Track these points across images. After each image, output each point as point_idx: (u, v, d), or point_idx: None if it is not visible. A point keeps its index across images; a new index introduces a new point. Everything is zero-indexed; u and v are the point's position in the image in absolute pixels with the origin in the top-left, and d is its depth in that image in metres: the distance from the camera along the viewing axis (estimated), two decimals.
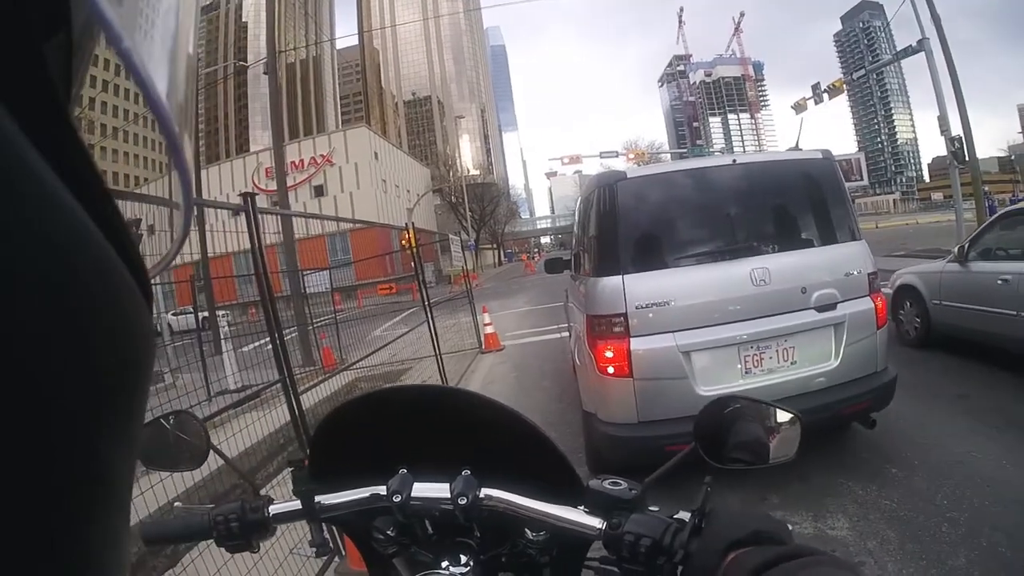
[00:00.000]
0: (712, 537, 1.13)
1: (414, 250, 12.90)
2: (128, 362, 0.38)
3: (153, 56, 0.38)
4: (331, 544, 1.69)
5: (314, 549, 1.72)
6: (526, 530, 1.38)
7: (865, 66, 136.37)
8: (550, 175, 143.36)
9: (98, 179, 0.37)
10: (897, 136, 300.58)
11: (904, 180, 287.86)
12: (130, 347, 0.38)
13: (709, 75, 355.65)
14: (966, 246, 9.78)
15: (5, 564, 0.31)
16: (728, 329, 5.83)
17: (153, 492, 4.30)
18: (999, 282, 8.80)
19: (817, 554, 0.98)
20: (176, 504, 1.82)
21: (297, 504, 1.53)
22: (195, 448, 1.79)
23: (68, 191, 0.33)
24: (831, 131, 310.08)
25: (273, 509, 1.57)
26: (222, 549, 1.60)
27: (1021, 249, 8.73)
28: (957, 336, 10.07)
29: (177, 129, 0.39)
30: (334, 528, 1.79)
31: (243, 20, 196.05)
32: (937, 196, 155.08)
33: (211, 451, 1.80)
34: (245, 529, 1.55)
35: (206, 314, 17.45)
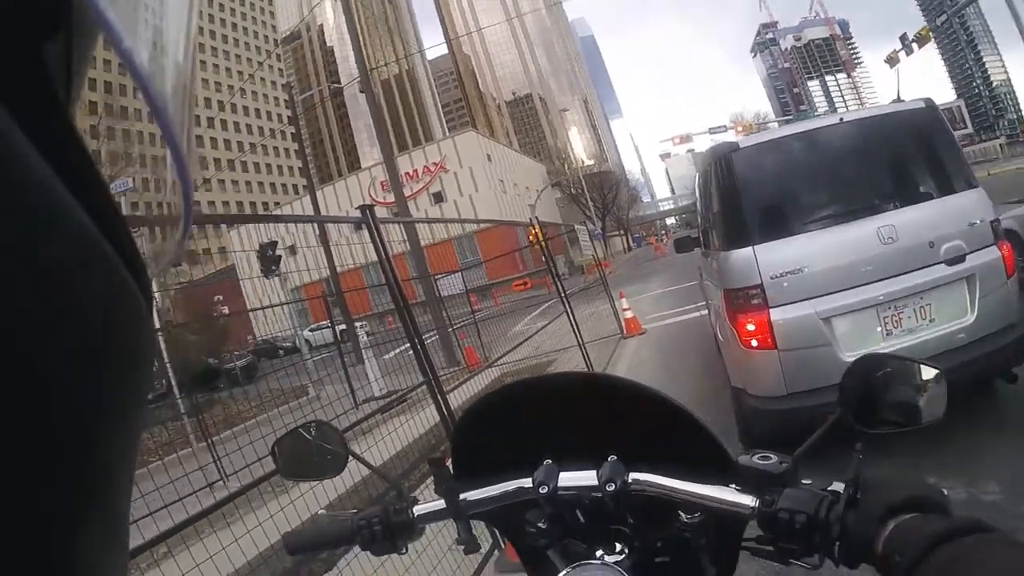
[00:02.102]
0: (868, 507, 1.11)
1: (543, 244, 12.92)
2: (127, 363, 0.39)
3: (153, 55, 0.40)
4: (478, 541, 1.67)
5: (462, 547, 1.69)
6: (680, 513, 1.36)
7: (946, 10, 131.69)
8: (664, 156, 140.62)
9: (98, 179, 0.37)
10: (991, 79, 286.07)
11: (1006, 123, 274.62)
12: (130, 347, 0.39)
13: (798, 39, 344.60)
14: None
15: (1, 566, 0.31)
16: (864, 291, 5.70)
17: (304, 501, 4.52)
18: None
19: (989, 529, 0.96)
20: (319, 512, 1.97)
21: (441, 503, 1.53)
22: (336, 456, 1.84)
23: (68, 191, 0.33)
24: (927, 82, 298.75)
25: (418, 510, 1.58)
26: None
27: None
28: None
29: (177, 128, 0.40)
30: (492, 527, 1.90)
31: (328, 44, 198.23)
32: None
33: (352, 458, 1.85)
34: (389, 532, 1.56)
35: (343, 327, 17.75)
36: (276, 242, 15.59)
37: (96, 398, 0.35)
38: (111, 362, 0.36)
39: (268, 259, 15.32)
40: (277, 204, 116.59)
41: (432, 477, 1.60)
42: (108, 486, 0.38)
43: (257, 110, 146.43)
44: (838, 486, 1.18)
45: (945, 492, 1.10)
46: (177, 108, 0.40)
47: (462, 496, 1.50)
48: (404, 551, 1.62)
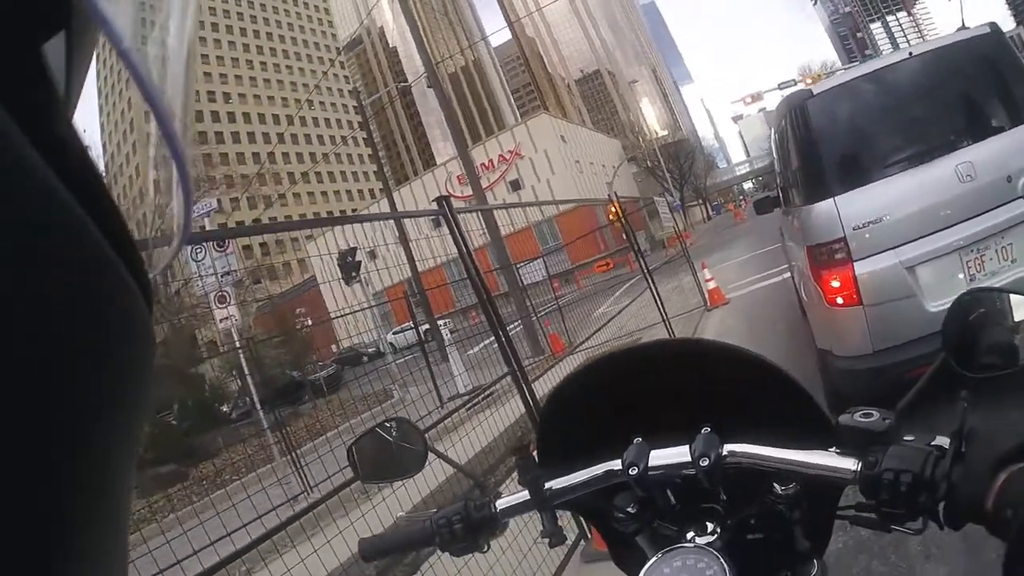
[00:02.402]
0: (977, 459, 1.04)
1: (624, 221, 12.79)
2: (127, 363, 0.38)
3: (153, 56, 0.41)
4: (564, 533, 1.62)
5: (547, 540, 1.61)
6: (774, 485, 1.28)
7: None
8: (736, 119, 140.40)
9: (98, 179, 0.37)
10: None
11: None
12: (129, 347, 0.38)
13: None
14: None
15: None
16: (945, 236, 5.48)
17: (387, 506, 4.40)
18: None
19: None
20: (399, 515, 1.85)
21: (525, 494, 1.48)
22: (415, 453, 1.80)
23: (68, 191, 0.33)
24: (986, 12, 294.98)
25: (500, 504, 1.52)
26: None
27: None
28: None
29: (177, 128, 0.39)
30: (578, 517, 1.79)
31: (391, 45, 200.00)
32: None
33: (432, 454, 1.81)
34: (470, 529, 1.51)
35: (427, 326, 17.86)
36: (356, 248, 15.83)
37: (96, 399, 0.35)
38: (111, 363, 0.36)
39: (348, 266, 15.60)
40: (355, 210, 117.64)
41: (517, 466, 1.53)
42: (108, 487, 0.38)
43: (327, 119, 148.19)
44: (943, 440, 1.11)
45: None
46: (176, 108, 0.40)
47: (547, 485, 1.45)
48: (486, 548, 1.56)
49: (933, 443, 1.11)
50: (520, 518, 1.58)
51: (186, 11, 0.44)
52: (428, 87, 22.74)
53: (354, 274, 15.43)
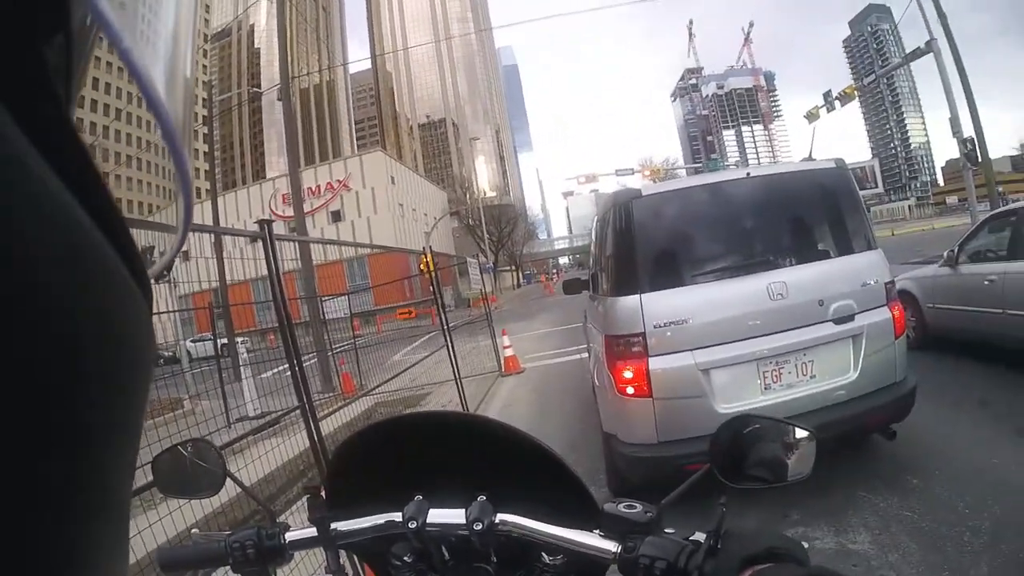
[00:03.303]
0: (727, 556, 1.13)
1: (432, 274, 12.84)
2: (127, 363, 0.38)
3: (153, 56, 0.39)
4: (347, 571, 1.68)
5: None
6: (543, 554, 1.39)
7: (875, 71, 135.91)
8: (567, 195, 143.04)
9: (98, 180, 0.36)
10: (910, 140, 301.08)
11: (918, 185, 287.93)
12: (129, 347, 0.38)
13: (721, 87, 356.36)
14: (956, 250, 10.29)
15: None
16: (747, 345, 5.77)
17: (172, 519, 4.34)
18: (985, 283, 9.27)
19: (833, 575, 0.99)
20: (194, 531, 1.84)
21: (313, 531, 1.53)
22: (212, 475, 1.82)
23: (68, 192, 0.33)
24: (844, 139, 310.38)
25: (289, 536, 1.58)
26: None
27: (1005, 250, 9.19)
28: (951, 337, 10.51)
29: (177, 128, 0.39)
30: (353, 556, 1.83)
31: (256, 46, 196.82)
32: (952, 200, 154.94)
33: (228, 478, 1.82)
34: (261, 556, 1.56)
35: (225, 341, 17.44)
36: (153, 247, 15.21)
37: (96, 398, 0.35)
38: (111, 362, 0.36)
39: None
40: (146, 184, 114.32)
41: (307, 504, 1.59)
42: (108, 487, 0.38)
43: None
44: (700, 536, 1.22)
45: (806, 545, 1.23)
46: (177, 108, 0.41)
47: (333, 526, 1.51)
48: (274, 575, 1.62)
49: (691, 537, 1.23)
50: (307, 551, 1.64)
51: (186, 11, 0.44)
52: (278, 99, 22.49)
53: (164, 272, 14.98)
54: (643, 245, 6.09)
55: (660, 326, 5.74)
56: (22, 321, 0.30)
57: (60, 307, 0.32)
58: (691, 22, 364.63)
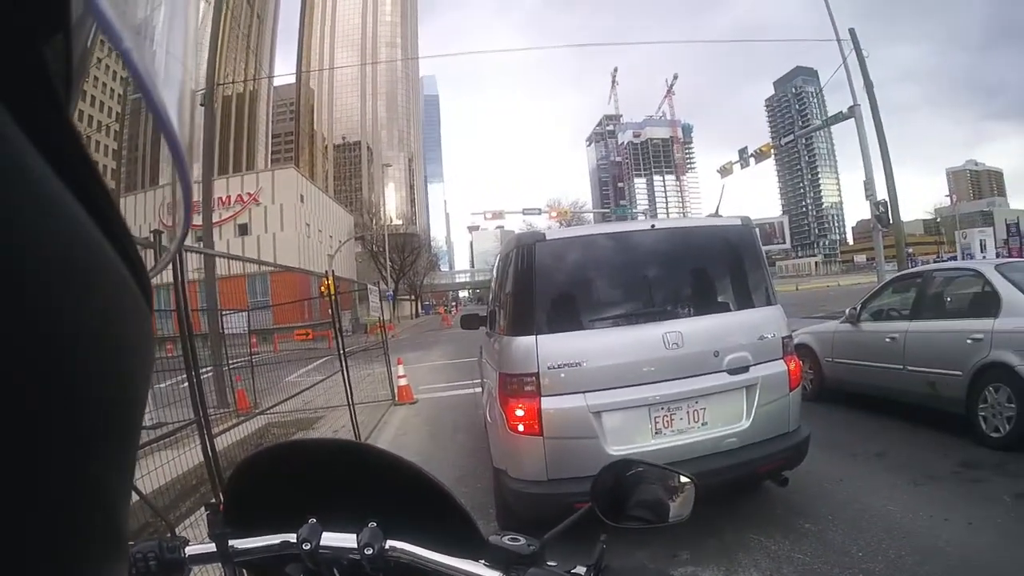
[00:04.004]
0: None
1: (332, 297, 12.88)
2: (128, 362, 0.38)
3: (153, 56, 0.40)
4: None
5: None
6: None
7: (795, 131, 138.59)
8: (472, 229, 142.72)
9: (98, 180, 0.37)
10: (823, 199, 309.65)
11: (827, 243, 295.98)
12: (130, 346, 0.38)
13: (638, 136, 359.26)
14: (858, 307, 10.87)
15: None
16: (639, 391, 5.87)
17: None
18: (887, 340, 9.88)
19: None
20: None
21: (212, 547, 1.53)
22: None
23: (69, 192, 0.33)
24: (756, 193, 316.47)
25: (189, 550, 1.56)
26: None
27: (908, 310, 9.80)
28: (847, 390, 11.09)
29: (177, 128, 0.40)
30: (246, 573, 1.85)
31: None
32: (860, 258, 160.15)
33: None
34: (163, 568, 1.53)
35: None
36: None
37: (97, 397, 0.35)
38: (111, 362, 0.36)
39: None
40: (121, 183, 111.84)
41: (203, 518, 1.63)
42: (108, 487, 0.38)
43: (87, 96, 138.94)
44: (581, 569, 1.32)
45: None
46: (177, 108, 0.41)
47: (232, 543, 1.51)
48: None
49: (572, 571, 1.32)
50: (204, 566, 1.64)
51: (185, 10, 0.45)
52: (201, 105, 22.09)
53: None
54: (543, 287, 6.18)
55: (554, 367, 5.81)
56: (22, 321, 0.30)
57: (60, 307, 0.32)
58: (615, 70, 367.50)
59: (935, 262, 15.76)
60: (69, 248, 0.33)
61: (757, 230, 6.88)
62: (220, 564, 1.58)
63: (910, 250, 44.67)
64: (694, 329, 6.11)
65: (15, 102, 0.31)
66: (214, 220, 22.97)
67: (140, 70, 0.36)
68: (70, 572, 0.34)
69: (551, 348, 5.87)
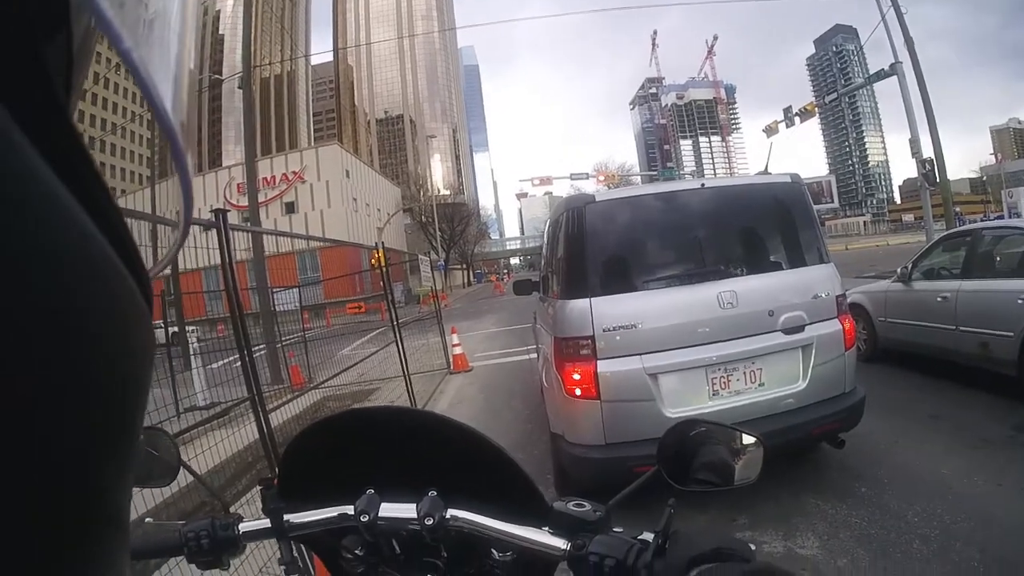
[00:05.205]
0: (675, 556, 1.14)
1: (384, 269, 12.88)
2: (128, 363, 0.37)
3: (154, 56, 0.38)
4: (300, 563, 1.67)
5: (283, 567, 1.65)
6: (492, 550, 1.39)
7: (837, 89, 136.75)
8: (520, 196, 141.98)
9: (99, 180, 0.36)
10: (868, 158, 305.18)
11: (875, 202, 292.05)
12: (130, 347, 0.37)
13: (681, 98, 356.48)
14: (909, 267, 10.65)
15: None
16: (695, 352, 5.81)
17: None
18: (939, 299, 9.64)
19: (781, 573, 1.01)
20: (147, 520, 1.81)
21: (267, 522, 1.53)
22: (166, 465, 1.81)
23: (69, 192, 0.33)
24: (802, 154, 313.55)
25: (243, 527, 1.56)
26: (192, 566, 1.59)
27: (959, 268, 9.54)
28: (900, 350, 10.98)
29: (178, 128, 0.39)
30: (303, 547, 1.82)
31: (220, 33, 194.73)
32: (908, 218, 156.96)
33: (182, 468, 1.81)
34: (215, 546, 1.54)
35: (175, 329, 17.16)
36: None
37: (97, 397, 0.35)
38: (111, 362, 0.36)
39: None
40: (124, 192, 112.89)
41: (258, 495, 1.61)
42: (108, 488, 0.38)
43: (125, 90, 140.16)
44: (648, 535, 1.22)
45: (753, 547, 1.13)
46: (177, 108, 0.40)
47: (287, 518, 1.52)
48: (227, 566, 1.62)
49: (639, 537, 1.23)
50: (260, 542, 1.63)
51: (185, 10, 0.44)
52: (239, 88, 22.12)
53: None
54: (594, 250, 6.11)
55: (609, 330, 5.77)
56: (22, 321, 0.30)
57: (60, 306, 0.32)
58: (655, 32, 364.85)
59: (982, 221, 15.53)
60: (68, 247, 0.33)
61: (806, 187, 6.74)
62: (276, 540, 1.59)
63: (957, 209, 44.00)
64: (748, 288, 6.03)
65: (15, 102, 0.31)
66: (260, 200, 22.99)
67: (140, 70, 0.35)
68: (70, 563, 0.34)
69: (605, 310, 5.82)
